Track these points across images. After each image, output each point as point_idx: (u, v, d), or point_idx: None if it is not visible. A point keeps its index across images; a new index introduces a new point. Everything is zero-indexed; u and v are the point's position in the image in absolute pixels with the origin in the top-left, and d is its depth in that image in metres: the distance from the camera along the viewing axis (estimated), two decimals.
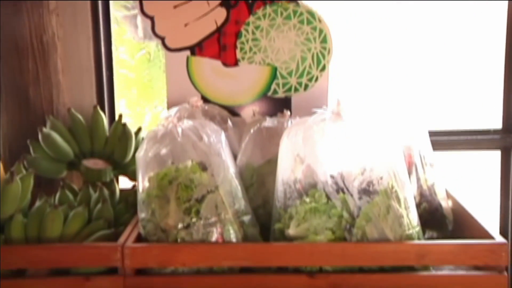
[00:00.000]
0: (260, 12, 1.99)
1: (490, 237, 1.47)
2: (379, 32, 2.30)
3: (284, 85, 2.02)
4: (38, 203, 1.61)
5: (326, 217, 1.46)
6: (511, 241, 2.20)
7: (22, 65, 2.04)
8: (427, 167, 1.71)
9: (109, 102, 2.18)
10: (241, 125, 1.94)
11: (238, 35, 2.01)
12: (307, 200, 1.49)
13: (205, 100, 2.01)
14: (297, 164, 1.53)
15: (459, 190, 1.81)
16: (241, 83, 2.04)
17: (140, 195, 1.55)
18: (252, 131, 1.76)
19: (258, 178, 1.71)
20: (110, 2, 2.16)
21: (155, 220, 1.51)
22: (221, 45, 2.02)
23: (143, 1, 1.99)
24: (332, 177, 1.48)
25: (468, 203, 1.70)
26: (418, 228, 1.50)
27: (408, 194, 1.50)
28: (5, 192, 1.55)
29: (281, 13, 1.98)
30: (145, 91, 2.78)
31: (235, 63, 2.03)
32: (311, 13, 1.98)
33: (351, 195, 1.46)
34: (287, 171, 1.54)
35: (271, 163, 1.66)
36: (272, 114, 1.92)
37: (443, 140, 2.18)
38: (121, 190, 1.86)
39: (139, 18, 2.07)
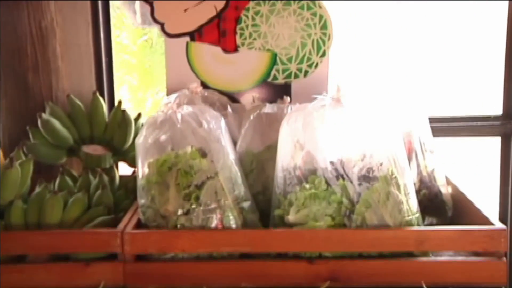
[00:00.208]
0: None
1: (489, 223, 1.47)
2: (380, 17, 2.29)
3: (284, 71, 2.02)
4: (37, 189, 1.61)
5: (325, 204, 1.46)
6: (510, 227, 2.20)
7: (21, 51, 2.03)
8: (427, 153, 1.71)
9: (108, 88, 2.18)
10: (240, 111, 1.94)
11: (238, 20, 1.99)
12: (307, 186, 1.49)
13: (205, 86, 2.00)
14: (297, 150, 1.53)
15: (459, 177, 1.81)
16: (240, 69, 2.03)
17: (140, 181, 1.55)
18: (251, 117, 1.76)
19: (257, 164, 1.70)
20: None
21: (155, 206, 1.51)
22: (220, 30, 2.01)
23: None
24: (332, 163, 1.48)
25: (467, 189, 1.70)
26: (417, 215, 1.50)
27: (407, 181, 1.50)
28: (4, 178, 1.55)
29: None
30: (146, 77, 2.78)
31: (235, 49, 2.02)
32: None
33: (351, 181, 1.46)
34: (287, 157, 1.54)
35: (271, 149, 1.66)
36: (272, 100, 1.92)
37: (443, 127, 2.18)
38: (121, 176, 1.86)
39: (138, 4, 2.06)
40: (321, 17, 1.97)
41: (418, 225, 1.49)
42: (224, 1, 1.99)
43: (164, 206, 1.49)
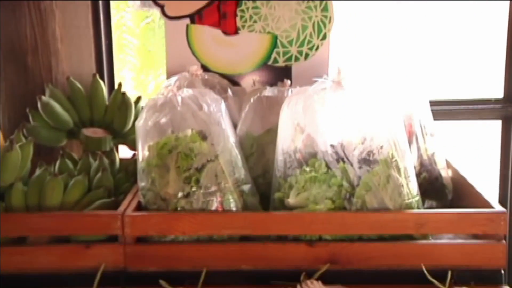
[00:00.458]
0: None
1: (489, 206, 1.48)
2: (381, 2, 2.27)
3: (284, 54, 2.01)
4: (38, 172, 1.61)
5: (326, 187, 1.46)
6: (510, 210, 2.21)
7: (20, 33, 2.02)
8: (428, 136, 1.71)
9: (108, 70, 2.17)
10: (241, 94, 1.93)
11: (238, 3, 1.98)
12: (307, 169, 1.49)
13: (205, 69, 2.00)
14: (297, 134, 1.53)
15: (459, 160, 1.81)
16: (241, 52, 2.02)
17: (140, 164, 1.55)
18: (252, 100, 1.75)
19: (258, 147, 1.70)
20: None
21: (155, 189, 1.51)
22: (221, 13, 2.00)
23: None
24: (332, 146, 1.48)
25: (468, 172, 1.70)
26: (417, 198, 1.50)
27: (408, 164, 1.50)
28: (4, 160, 1.55)
29: None
30: (149, 59, 2.77)
31: (235, 31, 2.01)
32: None
33: (351, 165, 1.46)
34: (287, 141, 1.54)
35: (271, 132, 1.66)
36: (272, 83, 1.91)
37: (444, 110, 2.17)
38: (121, 159, 1.86)
39: None
40: None
41: (418, 208, 1.49)
42: None
43: (164, 189, 1.49)
